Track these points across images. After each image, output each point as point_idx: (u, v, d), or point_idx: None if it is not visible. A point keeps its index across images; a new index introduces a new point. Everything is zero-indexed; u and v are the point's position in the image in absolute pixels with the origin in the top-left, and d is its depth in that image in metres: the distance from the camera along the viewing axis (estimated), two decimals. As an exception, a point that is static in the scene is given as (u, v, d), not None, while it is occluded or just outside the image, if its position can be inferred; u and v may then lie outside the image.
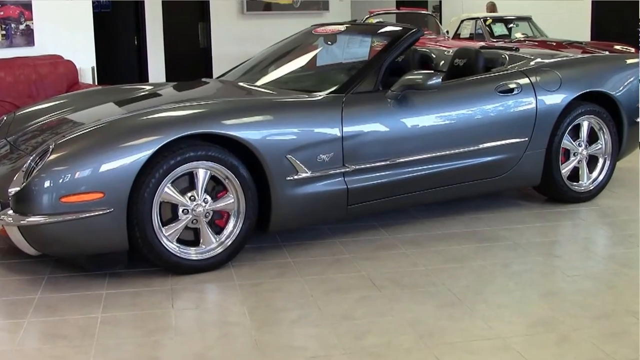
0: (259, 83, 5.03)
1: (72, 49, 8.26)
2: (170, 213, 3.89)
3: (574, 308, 3.52)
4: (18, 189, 3.67)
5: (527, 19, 13.02)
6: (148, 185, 3.74)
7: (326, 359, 3.06)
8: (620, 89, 5.30)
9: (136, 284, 3.86)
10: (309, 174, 4.15)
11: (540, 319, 3.40)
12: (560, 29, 12.88)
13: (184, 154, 3.81)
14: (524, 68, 5.09)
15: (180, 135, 3.80)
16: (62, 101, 4.99)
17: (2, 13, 7.76)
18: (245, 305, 3.59)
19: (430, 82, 4.38)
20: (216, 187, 4.00)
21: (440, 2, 16.47)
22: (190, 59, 13.59)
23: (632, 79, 5.37)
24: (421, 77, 4.41)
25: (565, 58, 5.53)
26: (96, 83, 8.51)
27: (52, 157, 3.70)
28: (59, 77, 7.85)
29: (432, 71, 4.72)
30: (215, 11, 13.61)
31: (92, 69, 8.50)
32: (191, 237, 3.97)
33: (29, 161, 3.79)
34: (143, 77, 12.88)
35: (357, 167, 4.32)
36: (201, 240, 3.98)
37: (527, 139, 4.91)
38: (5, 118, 4.84)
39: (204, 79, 5.50)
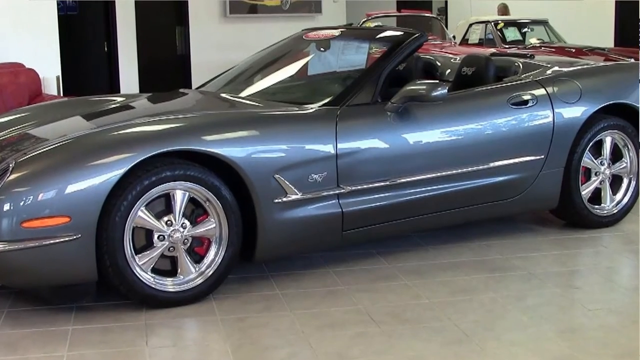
0: (243, 94, 5.06)
1: (35, 56, 8.30)
2: (145, 239, 3.90)
3: (595, 346, 3.55)
4: (-26, 212, 3.69)
5: (543, 23, 13.13)
6: (119, 209, 3.76)
7: (319, 402, 3.08)
8: (648, 101, 5.34)
9: (106, 318, 3.87)
10: (299, 196, 4.18)
11: (558, 358, 3.42)
12: (580, 34, 12.99)
13: (160, 174, 3.84)
14: (540, 77, 5.13)
15: (155, 152, 3.82)
16: (23, 114, 5.00)
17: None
18: (228, 342, 3.61)
19: (434, 93, 4.41)
20: (196, 211, 4.02)
21: (446, 3, 16.61)
22: (166, 67, 13.66)
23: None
24: (425, 87, 4.44)
25: (585, 66, 5.57)
26: (61, 94, 8.55)
27: (12, 177, 3.71)
28: (20, 88, 7.88)
29: (437, 81, 4.76)
30: (195, 14, 13.69)
31: (57, 78, 8.54)
32: (168, 267, 3.99)
33: (-14, 181, 3.81)
34: (114, 88, 12.93)
35: (353, 188, 4.34)
36: (179, 270, 3.99)
37: (543, 156, 4.95)
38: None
39: (182, 90, 5.53)
